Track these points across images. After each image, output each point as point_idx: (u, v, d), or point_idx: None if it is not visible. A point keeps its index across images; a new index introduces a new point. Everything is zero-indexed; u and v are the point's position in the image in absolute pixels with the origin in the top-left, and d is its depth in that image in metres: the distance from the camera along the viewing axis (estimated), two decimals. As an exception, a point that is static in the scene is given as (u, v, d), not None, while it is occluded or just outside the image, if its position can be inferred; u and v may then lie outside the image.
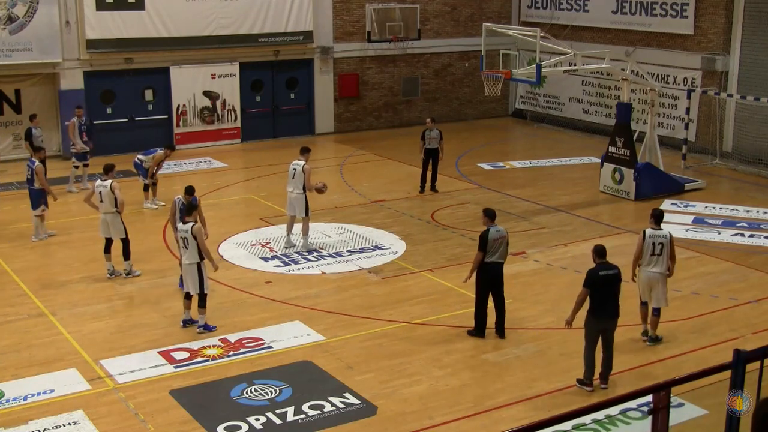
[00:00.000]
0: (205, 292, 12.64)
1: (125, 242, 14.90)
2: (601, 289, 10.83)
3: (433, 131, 19.94)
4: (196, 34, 24.74)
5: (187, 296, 12.79)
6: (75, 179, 20.47)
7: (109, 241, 14.95)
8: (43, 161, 17.39)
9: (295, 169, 16.16)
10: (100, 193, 14.78)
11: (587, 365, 10.92)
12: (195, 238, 12.37)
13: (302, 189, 16.04)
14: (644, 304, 12.49)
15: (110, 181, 14.82)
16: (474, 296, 12.55)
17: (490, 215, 12.48)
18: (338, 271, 15.30)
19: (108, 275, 14.91)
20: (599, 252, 11.06)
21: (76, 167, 20.34)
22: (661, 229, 12.35)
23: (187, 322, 12.76)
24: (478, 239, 12.36)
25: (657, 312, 12.40)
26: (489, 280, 12.33)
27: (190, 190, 13.85)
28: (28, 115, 21.45)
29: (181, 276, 13.51)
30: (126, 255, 14.88)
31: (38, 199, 16.71)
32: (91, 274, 15.16)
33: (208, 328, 12.64)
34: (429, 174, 20.20)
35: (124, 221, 14.97)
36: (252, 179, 21.97)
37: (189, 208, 12.86)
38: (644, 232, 12.31)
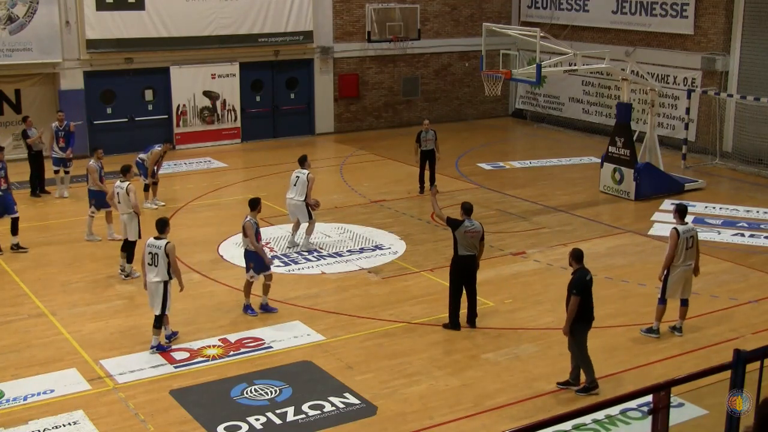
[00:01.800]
0: (166, 312, 12.08)
1: (133, 245, 14.82)
2: (587, 293, 10.76)
3: (429, 132, 19.89)
4: (196, 34, 24.75)
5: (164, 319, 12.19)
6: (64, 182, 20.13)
7: (126, 241, 14.90)
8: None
9: (298, 177, 16.16)
10: (117, 194, 14.79)
11: (589, 370, 10.86)
12: (167, 255, 11.89)
13: (303, 197, 16.07)
14: (664, 302, 12.44)
15: (127, 182, 14.82)
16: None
17: (465, 209, 12.67)
18: (338, 271, 15.30)
19: (120, 272, 14.94)
20: (579, 257, 10.85)
21: (56, 172, 19.72)
22: (686, 223, 12.51)
23: (171, 337, 12.30)
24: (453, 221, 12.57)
25: (687, 303, 12.55)
26: (461, 272, 12.58)
27: (254, 204, 13.32)
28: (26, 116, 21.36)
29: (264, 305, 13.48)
30: (129, 258, 14.85)
31: (94, 198, 16.67)
32: (91, 274, 15.16)
33: (161, 348, 12.07)
34: (427, 174, 20.18)
35: (140, 223, 14.89)
36: (252, 179, 21.97)
37: (162, 224, 12.20)
38: (676, 230, 12.27)
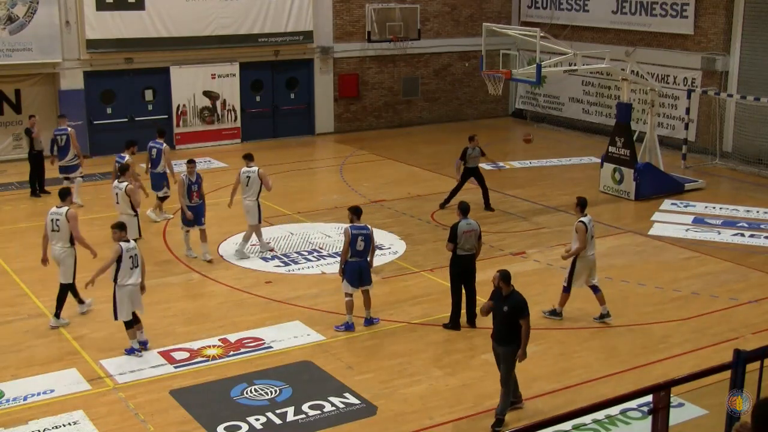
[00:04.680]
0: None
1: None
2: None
3: (475, 150, 18.91)
4: (196, 34, 24.74)
5: (136, 319, 11.99)
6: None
7: None
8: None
9: (249, 177, 15.66)
10: (116, 194, 14.71)
11: (511, 394, 10.38)
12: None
13: (257, 196, 15.65)
14: (569, 291, 12.98)
15: (126, 183, 14.75)
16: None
17: (462, 209, 12.81)
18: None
19: None
20: (508, 278, 10.16)
21: (67, 179, 19.03)
22: (586, 214, 12.96)
23: (144, 344, 12.01)
24: (449, 231, 12.74)
25: (599, 288, 12.95)
26: (460, 271, 12.67)
27: (358, 211, 13.20)
28: (27, 115, 21.32)
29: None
30: None
31: (160, 182, 17.69)
32: (91, 274, 15.09)
33: (142, 345, 11.94)
34: (478, 191, 19.02)
35: (140, 224, 14.79)
36: (252, 179, 21.91)
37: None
38: (583, 223, 12.75)
